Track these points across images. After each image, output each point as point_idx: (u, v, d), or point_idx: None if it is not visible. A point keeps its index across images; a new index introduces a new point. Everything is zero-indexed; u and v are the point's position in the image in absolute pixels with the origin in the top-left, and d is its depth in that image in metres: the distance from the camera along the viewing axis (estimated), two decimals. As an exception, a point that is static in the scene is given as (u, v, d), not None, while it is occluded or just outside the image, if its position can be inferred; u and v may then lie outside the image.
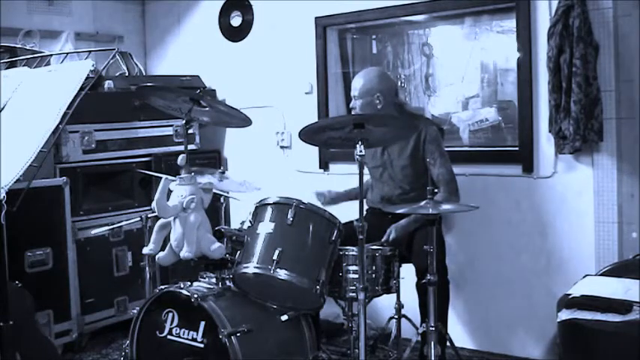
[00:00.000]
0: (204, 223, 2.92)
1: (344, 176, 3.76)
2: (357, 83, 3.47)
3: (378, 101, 3.41)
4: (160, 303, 2.94)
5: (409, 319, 3.33)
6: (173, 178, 2.92)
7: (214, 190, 3.18)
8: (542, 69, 3.60)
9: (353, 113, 3.48)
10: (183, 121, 3.01)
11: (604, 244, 3.49)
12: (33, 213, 3.54)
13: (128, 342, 3.01)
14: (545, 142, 3.66)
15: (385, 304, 3.49)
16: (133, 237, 4.21)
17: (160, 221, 2.97)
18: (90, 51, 2.35)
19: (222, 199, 3.63)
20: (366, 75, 3.50)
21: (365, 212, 2.80)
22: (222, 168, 3.60)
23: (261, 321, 2.92)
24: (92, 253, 4.09)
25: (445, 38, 4.42)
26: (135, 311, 3.03)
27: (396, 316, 3.28)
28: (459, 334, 3.84)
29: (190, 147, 4.35)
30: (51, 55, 2.65)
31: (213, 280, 3.05)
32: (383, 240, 3.22)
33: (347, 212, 3.17)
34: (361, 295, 2.71)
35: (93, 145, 4.12)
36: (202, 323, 2.81)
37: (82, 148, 4.07)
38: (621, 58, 3.43)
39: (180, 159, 2.90)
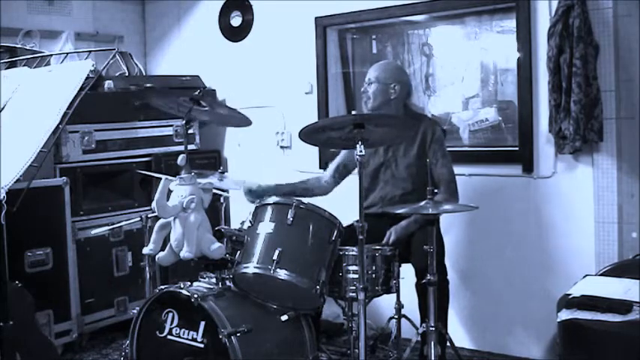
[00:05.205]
0: (204, 223, 2.92)
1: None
2: (376, 70, 3.48)
3: (393, 91, 3.43)
4: (160, 303, 2.94)
5: (409, 319, 3.33)
6: (173, 178, 2.92)
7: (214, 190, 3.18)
8: (542, 69, 3.60)
9: (363, 97, 3.48)
10: (183, 121, 3.01)
11: (604, 244, 3.49)
12: (33, 213, 3.54)
13: (128, 342, 3.01)
14: (545, 142, 3.66)
15: (385, 304, 3.49)
16: (133, 237, 4.21)
17: (160, 221, 2.96)
18: (90, 51, 2.36)
19: (222, 199, 3.63)
20: (387, 65, 3.61)
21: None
22: (221, 168, 3.60)
23: (261, 321, 2.92)
24: (92, 253, 4.08)
25: (445, 38, 4.42)
26: (135, 311, 3.02)
27: (396, 316, 3.27)
28: (459, 334, 3.84)
29: (190, 147, 4.36)
30: (51, 55, 2.66)
31: (213, 280, 3.04)
32: (383, 242, 3.21)
33: (346, 215, 3.17)
34: (361, 295, 2.71)
35: (93, 145, 4.12)
36: (202, 323, 2.81)
37: (82, 148, 4.07)
38: (621, 58, 3.43)
39: (180, 159, 2.90)
